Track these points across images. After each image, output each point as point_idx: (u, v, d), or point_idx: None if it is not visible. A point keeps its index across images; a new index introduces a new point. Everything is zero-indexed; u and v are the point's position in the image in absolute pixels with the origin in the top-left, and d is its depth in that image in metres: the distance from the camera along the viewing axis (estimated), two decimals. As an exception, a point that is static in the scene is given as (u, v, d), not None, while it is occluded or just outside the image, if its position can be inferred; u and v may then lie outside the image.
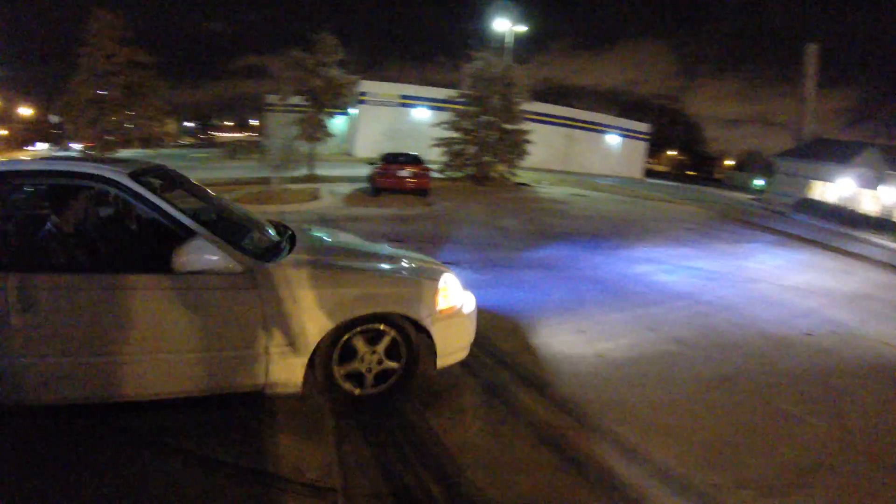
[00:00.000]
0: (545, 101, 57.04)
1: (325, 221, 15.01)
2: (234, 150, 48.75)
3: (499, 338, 6.68)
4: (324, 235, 6.34)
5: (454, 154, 32.15)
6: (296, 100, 29.84)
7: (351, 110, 51.08)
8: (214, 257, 4.14)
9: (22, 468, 3.72)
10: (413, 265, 5.52)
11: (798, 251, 18.71)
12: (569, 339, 7.14)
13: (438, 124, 32.65)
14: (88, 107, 28.73)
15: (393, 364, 4.96)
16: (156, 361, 4.15)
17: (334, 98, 29.28)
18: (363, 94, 50.58)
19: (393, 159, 23.72)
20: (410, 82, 58.56)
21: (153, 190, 4.33)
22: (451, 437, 4.56)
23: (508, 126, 32.41)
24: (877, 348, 8.35)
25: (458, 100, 32.74)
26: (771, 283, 12.33)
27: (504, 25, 36.15)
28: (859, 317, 10.16)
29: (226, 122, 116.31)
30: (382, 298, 4.79)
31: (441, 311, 5.05)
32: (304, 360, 4.50)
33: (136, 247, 5.07)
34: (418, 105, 53.21)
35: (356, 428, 4.55)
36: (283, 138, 25.01)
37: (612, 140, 66.54)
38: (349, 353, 4.77)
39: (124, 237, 5.26)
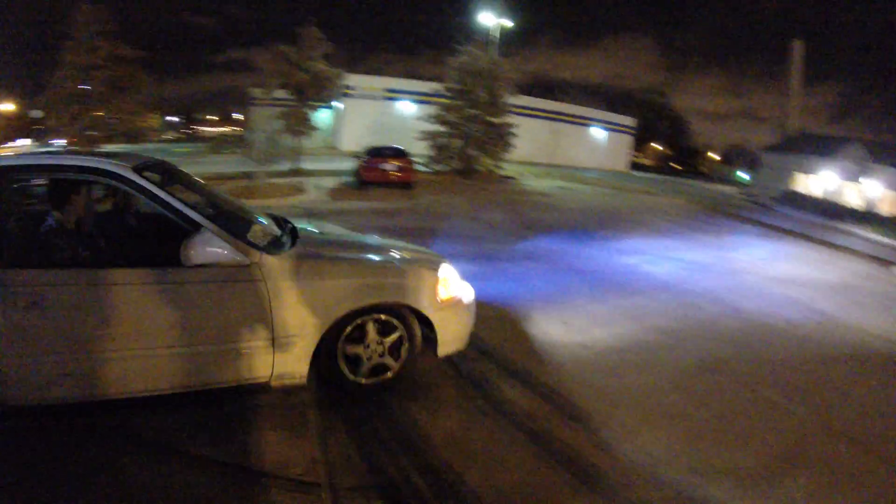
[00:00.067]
0: (531, 94, 56.93)
1: (311, 216, 14.92)
2: (218, 144, 48.47)
3: (483, 329, 6.65)
4: (322, 228, 6.35)
5: (439, 147, 32.11)
6: (280, 93, 29.63)
7: (336, 104, 50.84)
8: (223, 250, 4.15)
9: (6, 469, 3.68)
10: (412, 256, 5.59)
11: (782, 243, 18.85)
12: (553, 330, 7.16)
13: (424, 118, 32.59)
14: (71, 102, 28.47)
15: (391, 360, 5.03)
16: (165, 356, 4.15)
17: (319, 91, 29.09)
18: (348, 87, 50.28)
19: (378, 153, 23.70)
20: (396, 76, 58.33)
21: (157, 184, 4.31)
22: (435, 430, 4.56)
23: (494, 119, 32.39)
24: (859, 337, 8.42)
25: (443, 93, 32.70)
26: (755, 274, 12.41)
27: (490, 19, 36.14)
28: (842, 306, 10.24)
29: (210, 117, 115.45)
30: (386, 289, 4.86)
31: (442, 301, 5.12)
32: (310, 350, 4.55)
33: (142, 241, 5.04)
34: (404, 98, 52.96)
35: (340, 422, 4.55)
36: (268, 132, 24.87)
37: (598, 133, 66.51)
38: (353, 344, 4.83)
39: (129, 232, 5.30)
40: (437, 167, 32.03)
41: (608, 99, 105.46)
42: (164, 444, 4.08)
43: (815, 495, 4.21)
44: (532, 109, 55.20)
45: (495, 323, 7.15)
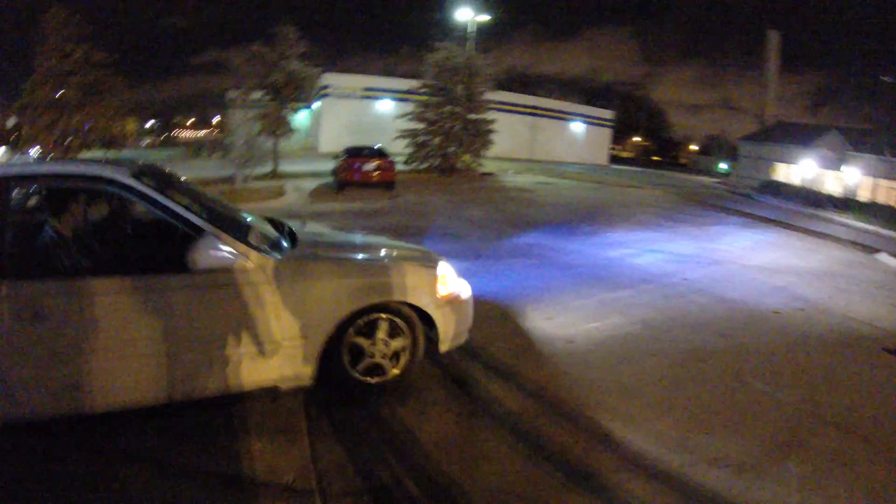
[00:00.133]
0: (509, 90, 57.05)
1: (293, 218, 14.88)
2: (197, 148, 48.27)
3: (468, 329, 6.63)
4: (319, 230, 6.45)
5: (418, 145, 32.10)
6: (257, 95, 29.48)
7: (314, 104, 50.74)
8: (228, 254, 4.16)
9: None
10: (409, 254, 5.69)
11: (764, 232, 18.94)
12: (538, 327, 7.14)
13: (402, 116, 32.56)
14: (46, 109, 28.17)
15: (394, 359, 5.08)
16: (176, 363, 4.15)
17: (296, 92, 28.98)
18: (325, 87, 50.18)
19: (357, 153, 23.57)
20: (374, 74, 58.31)
21: (156, 189, 4.29)
22: (423, 432, 4.54)
23: (472, 116, 32.42)
24: (843, 323, 8.45)
25: (421, 90, 32.67)
26: (738, 264, 12.46)
27: (466, 15, 36.07)
28: (825, 293, 10.29)
29: (188, 121, 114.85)
30: (388, 288, 4.90)
31: (441, 298, 5.19)
32: (317, 351, 4.59)
33: (143, 248, 5.00)
34: (382, 97, 52.88)
35: (329, 427, 4.53)
36: (246, 135, 24.74)
37: (577, 127, 66.80)
38: (358, 344, 4.87)
39: (129, 239, 5.31)
40: (417, 165, 32.01)
41: (587, 93, 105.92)
42: (153, 456, 4.04)
43: (806, 482, 4.22)
44: (511, 105, 55.34)
45: (480, 321, 7.08)
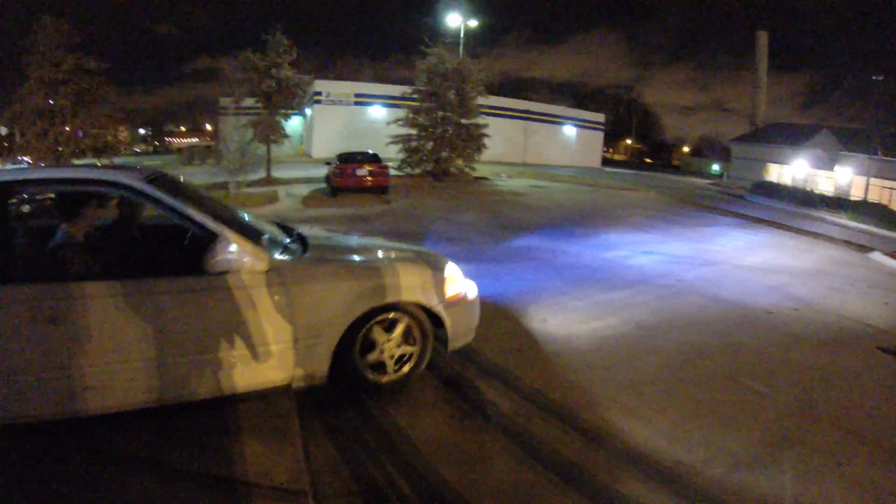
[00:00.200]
0: (501, 94, 57.13)
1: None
2: (189, 155, 48.18)
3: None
4: (326, 233, 6.51)
5: (411, 151, 32.03)
6: (249, 102, 29.42)
7: (306, 111, 50.72)
8: (244, 257, 4.22)
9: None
10: (417, 256, 5.73)
11: (757, 232, 19.01)
12: (532, 328, 7.17)
13: (395, 121, 32.52)
14: (38, 117, 28.05)
15: (410, 349, 5.22)
16: (194, 363, 4.22)
17: (288, 99, 28.91)
18: (318, 93, 50.22)
19: (349, 158, 23.49)
20: (366, 80, 58.42)
21: (171, 195, 4.33)
22: (417, 433, 4.55)
23: (465, 120, 32.34)
24: (837, 322, 8.50)
25: (412, 96, 32.59)
26: (731, 264, 12.50)
27: (457, 20, 36.08)
28: (819, 293, 10.34)
29: (180, 128, 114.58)
30: (399, 289, 4.98)
31: (449, 298, 5.32)
32: (331, 351, 4.67)
33: (156, 251, 5.16)
34: (374, 103, 52.85)
35: (322, 428, 4.53)
36: (239, 142, 24.66)
37: (569, 131, 66.84)
38: (370, 343, 4.99)
39: (141, 243, 5.39)
40: (410, 170, 31.96)
41: (578, 96, 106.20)
42: (146, 458, 4.01)
43: (800, 480, 4.24)
44: (503, 109, 55.42)
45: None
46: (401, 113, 32.84)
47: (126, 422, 4.20)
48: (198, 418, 4.46)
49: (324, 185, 24.68)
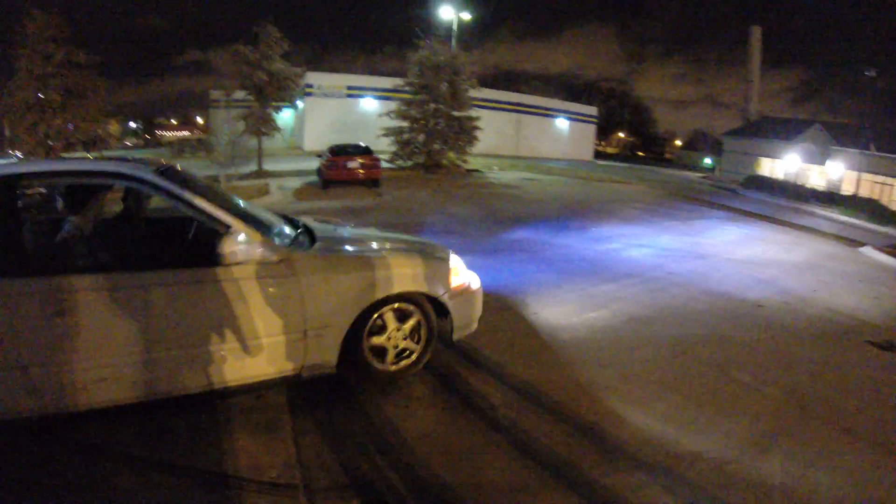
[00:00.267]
0: (494, 87, 57.09)
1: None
2: (180, 149, 48.01)
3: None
4: (331, 226, 6.48)
5: (403, 143, 31.93)
6: (240, 95, 29.30)
7: (298, 103, 50.56)
8: (257, 248, 4.27)
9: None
10: (423, 247, 5.78)
11: (748, 226, 19.05)
12: (523, 321, 7.19)
13: (386, 114, 32.43)
14: (28, 111, 27.86)
15: (413, 345, 5.33)
16: (208, 353, 4.24)
17: (279, 91, 28.81)
18: (309, 86, 49.98)
19: (341, 151, 23.44)
20: (358, 73, 58.13)
21: (182, 187, 4.36)
22: (408, 427, 4.55)
23: (457, 113, 32.27)
24: (827, 316, 8.53)
25: (405, 88, 32.51)
26: (723, 258, 12.54)
27: (450, 13, 35.98)
28: (809, 286, 10.38)
29: (171, 121, 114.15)
30: (406, 279, 5.07)
31: (454, 288, 5.43)
32: (340, 340, 4.75)
33: (166, 243, 5.24)
34: (366, 95, 52.67)
35: (313, 423, 4.53)
36: (230, 135, 24.56)
37: (562, 124, 66.77)
38: (377, 332, 5.09)
39: (150, 234, 5.46)
40: (402, 163, 31.91)
41: (571, 89, 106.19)
42: (136, 454, 4.02)
43: (790, 474, 4.25)
44: (495, 102, 55.30)
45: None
46: (393, 105, 32.73)
47: (115, 418, 4.20)
48: (188, 414, 4.48)
49: (315, 178, 24.61)
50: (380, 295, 4.88)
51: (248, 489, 3.66)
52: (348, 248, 5.26)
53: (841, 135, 48.57)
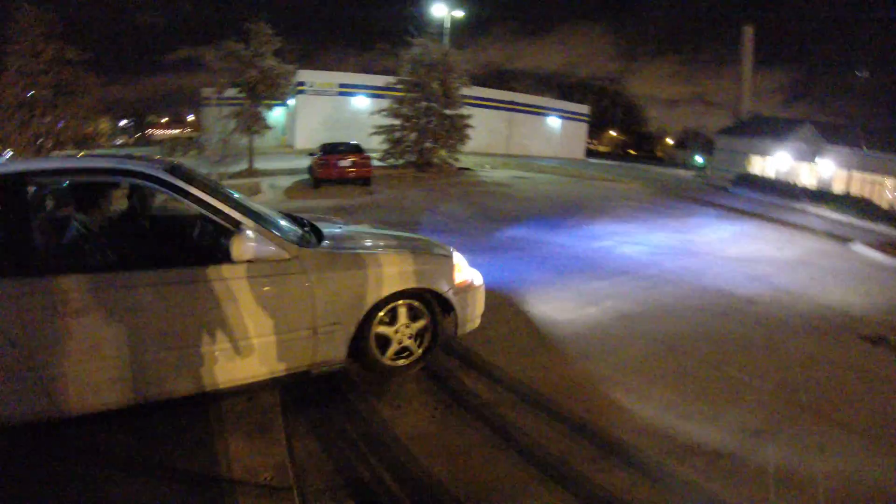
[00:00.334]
0: (486, 85, 57.11)
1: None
2: (171, 147, 47.84)
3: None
4: (335, 224, 6.49)
5: (395, 141, 31.92)
6: (232, 92, 29.19)
7: (289, 101, 50.47)
8: (269, 246, 4.30)
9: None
10: (426, 245, 5.90)
11: (740, 223, 19.12)
12: (515, 320, 7.16)
13: (378, 112, 32.40)
14: (17, 108, 27.68)
15: (416, 348, 5.40)
16: (222, 351, 4.26)
17: (271, 89, 28.67)
18: (301, 83, 49.85)
19: (332, 149, 23.40)
20: (350, 70, 58.04)
21: (193, 185, 4.35)
22: (400, 426, 4.54)
23: (448, 111, 32.29)
24: (819, 312, 8.57)
25: (396, 86, 32.49)
26: (715, 255, 12.58)
27: (442, 11, 35.96)
28: (801, 283, 10.43)
29: (162, 119, 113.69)
30: (413, 276, 5.15)
31: (458, 284, 5.52)
32: (349, 336, 4.84)
33: (177, 241, 5.32)
34: (357, 93, 52.57)
35: (306, 424, 4.51)
36: (221, 133, 24.48)
37: (554, 122, 66.79)
38: (384, 329, 5.17)
39: (170, 232, 5.52)
40: (394, 161, 31.89)
41: (563, 88, 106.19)
42: (130, 458, 4.00)
43: (784, 468, 4.26)
44: (487, 100, 55.31)
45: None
46: (385, 103, 32.72)
47: (107, 421, 4.17)
48: (181, 417, 4.45)
49: (307, 177, 24.57)
50: (387, 291, 4.94)
51: (242, 491, 3.64)
52: (355, 245, 5.27)
53: (832, 133, 48.67)
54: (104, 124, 37.80)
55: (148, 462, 3.94)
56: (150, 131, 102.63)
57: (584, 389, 5.35)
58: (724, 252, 13.13)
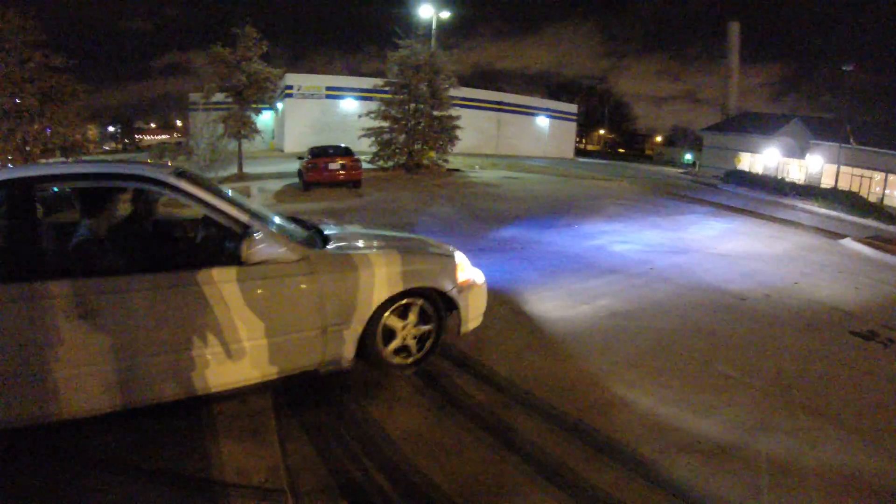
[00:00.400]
0: (474, 86, 57.25)
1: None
2: (159, 152, 47.69)
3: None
4: (338, 226, 6.55)
5: (384, 143, 31.95)
6: (220, 97, 29.11)
7: (278, 105, 50.38)
8: (279, 248, 4.35)
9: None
10: (428, 245, 6.04)
11: (729, 220, 19.19)
12: (504, 320, 7.14)
13: (367, 114, 32.39)
14: (4, 117, 27.49)
15: (415, 350, 5.47)
16: (233, 351, 4.28)
17: (258, 93, 28.63)
18: (289, 87, 49.92)
19: (322, 152, 23.37)
20: (338, 73, 58.12)
21: (202, 189, 4.38)
22: (393, 427, 4.53)
23: (437, 112, 32.37)
24: (810, 307, 8.60)
25: (384, 88, 32.51)
26: (705, 252, 12.61)
27: (429, 12, 35.96)
28: (791, 278, 10.47)
29: (150, 125, 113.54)
30: (418, 275, 5.23)
31: (461, 283, 5.60)
32: (357, 336, 4.89)
33: (185, 245, 5.45)
34: (346, 96, 52.63)
35: (298, 426, 4.49)
36: (209, 137, 24.40)
37: (542, 122, 67.00)
38: (391, 327, 5.24)
39: (178, 235, 5.62)
40: (383, 163, 31.89)
41: (551, 87, 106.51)
42: (122, 462, 3.97)
43: (777, 464, 4.27)
44: (475, 101, 55.47)
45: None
46: (373, 106, 32.73)
47: (99, 424, 4.13)
48: (170, 420, 4.43)
49: (296, 180, 24.47)
50: (393, 291, 5.00)
51: (235, 494, 3.63)
52: (360, 246, 5.34)
53: (820, 129, 48.92)
54: (92, 131, 37.62)
55: (138, 466, 3.91)
56: (138, 137, 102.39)
57: (576, 388, 5.35)
58: (715, 249, 13.19)
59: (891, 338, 7.37)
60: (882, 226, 23.51)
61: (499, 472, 4.01)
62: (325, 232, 5.46)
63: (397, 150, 31.90)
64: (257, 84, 28.19)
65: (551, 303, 8.00)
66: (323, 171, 22.32)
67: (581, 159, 65.51)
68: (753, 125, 55.68)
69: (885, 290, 10.34)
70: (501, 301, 7.84)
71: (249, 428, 4.39)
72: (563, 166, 43.88)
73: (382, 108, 32.08)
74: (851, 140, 44.30)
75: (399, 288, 5.04)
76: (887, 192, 41.89)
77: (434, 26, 35.69)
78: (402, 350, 5.37)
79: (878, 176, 42.90)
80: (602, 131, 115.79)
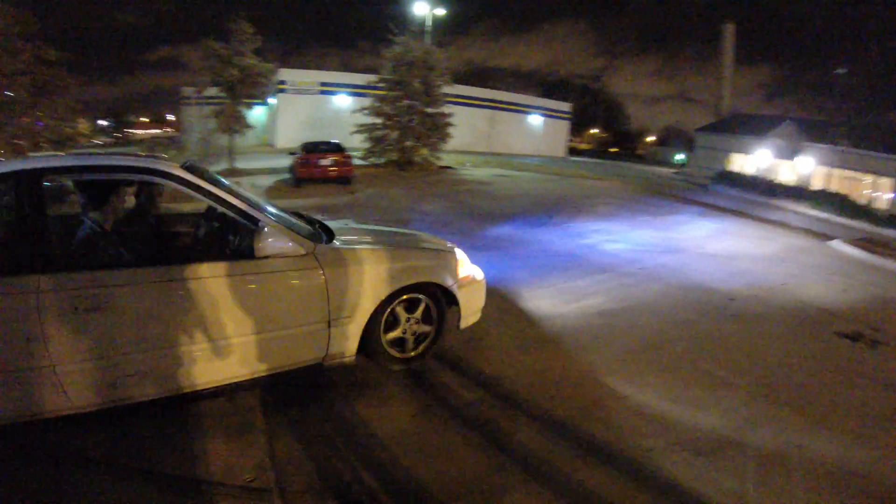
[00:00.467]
0: (467, 83, 57.11)
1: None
2: (151, 146, 47.56)
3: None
4: (344, 222, 6.65)
5: (376, 140, 31.89)
6: (212, 91, 29.00)
7: (270, 100, 50.23)
8: (288, 242, 4.41)
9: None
10: (429, 241, 6.21)
11: (720, 221, 19.21)
12: (492, 319, 7.13)
13: (359, 110, 32.33)
14: (-3, 110, 27.31)
15: (410, 349, 5.56)
16: (235, 345, 4.33)
17: (251, 88, 28.50)
18: (282, 82, 49.74)
19: (314, 148, 23.31)
20: (331, 69, 57.98)
21: (210, 182, 4.39)
22: (380, 426, 4.53)
23: (430, 109, 32.28)
24: (797, 307, 8.65)
25: (378, 85, 32.43)
26: (695, 252, 12.64)
27: (424, 9, 35.92)
28: (780, 279, 10.49)
29: (142, 119, 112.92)
30: (421, 270, 5.33)
31: (461, 279, 5.72)
32: (360, 330, 4.97)
33: (192, 238, 5.54)
34: (339, 92, 52.49)
35: (286, 424, 4.49)
36: (201, 132, 24.35)
37: (535, 120, 66.97)
38: (394, 322, 5.36)
39: (192, 229, 5.71)
40: (375, 160, 31.84)
41: (544, 86, 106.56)
42: (108, 460, 3.95)
43: (764, 464, 4.29)
44: (468, 98, 55.40)
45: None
46: (366, 102, 32.66)
47: (83, 422, 4.11)
48: (157, 418, 4.42)
49: (288, 176, 24.46)
50: (397, 286, 5.08)
51: (221, 493, 3.62)
52: (365, 242, 5.40)
53: (812, 131, 49.13)
54: (83, 124, 37.43)
55: (125, 464, 3.91)
56: (130, 131, 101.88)
57: (564, 387, 5.36)
58: (705, 249, 13.21)
59: (877, 339, 7.41)
60: (871, 228, 23.61)
61: (487, 472, 4.02)
62: (331, 228, 5.48)
63: (390, 147, 31.81)
64: (250, 79, 28.08)
65: (542, 301, 8.01)
66: (315, 167, 22.30)
67: (573, 158, 65.58)
68: (745, 126, 55.85)
69: (873, 291, 10.39)
70: (492, 299, 7.82)
71: (237, 425, 4.39)
72: (556, 165, 43.92)
73: (376, 104, 32.02)
74: (843, 142, 44.49)
75: (403, 283, 5.11)
76: (877, 194, 42.04)
77: (429, 23, 35.70)
78: (399, 343, 5.43)
79: (869, 178, 43.04)
80: (594, 130, 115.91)
